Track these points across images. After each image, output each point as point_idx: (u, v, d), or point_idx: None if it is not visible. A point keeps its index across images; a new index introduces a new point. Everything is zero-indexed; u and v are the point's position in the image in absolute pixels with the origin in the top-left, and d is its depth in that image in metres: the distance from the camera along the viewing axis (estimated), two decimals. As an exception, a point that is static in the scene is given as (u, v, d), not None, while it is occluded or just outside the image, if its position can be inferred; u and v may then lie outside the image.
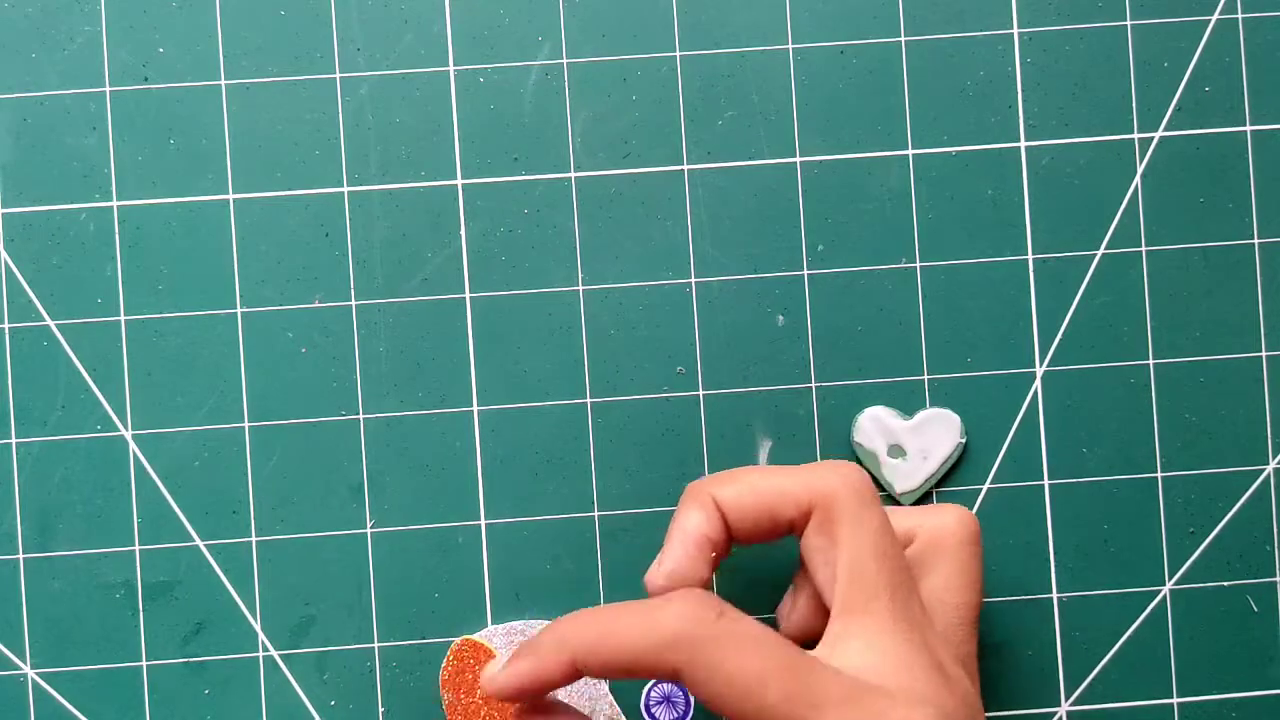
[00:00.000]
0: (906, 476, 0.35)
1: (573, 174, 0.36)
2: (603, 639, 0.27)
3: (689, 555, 0.29)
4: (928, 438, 0.35)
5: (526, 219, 0.36)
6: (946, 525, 0.31)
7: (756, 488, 0.30)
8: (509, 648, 0.35)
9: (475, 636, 0.35)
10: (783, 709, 0.25)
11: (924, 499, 0.36)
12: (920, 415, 0.35)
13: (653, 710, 0.35)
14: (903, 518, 0.31)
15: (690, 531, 0.30)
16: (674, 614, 0.26)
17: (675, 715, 0.35)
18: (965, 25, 0.36)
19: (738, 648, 0.26)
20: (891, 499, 0.36)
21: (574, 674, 0.27)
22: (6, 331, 0.36)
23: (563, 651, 0.27)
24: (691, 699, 0.35)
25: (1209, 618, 0.36)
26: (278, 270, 0.36)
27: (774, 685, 0.26)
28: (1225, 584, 0.36)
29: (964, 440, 0.36)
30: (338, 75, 0.36)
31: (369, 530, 0.36)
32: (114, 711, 0.35)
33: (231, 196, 0.36)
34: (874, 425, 0.35)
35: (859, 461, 0.35)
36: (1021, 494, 0.36)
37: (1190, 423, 0.36)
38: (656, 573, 0.29)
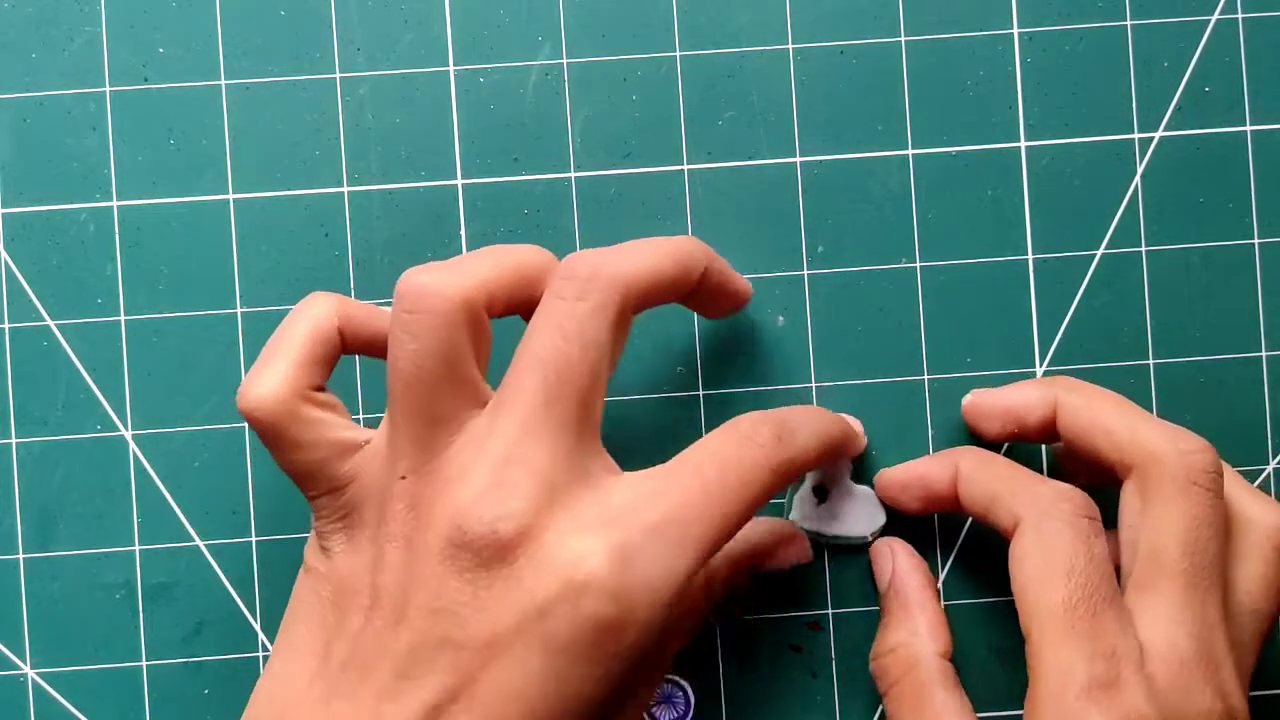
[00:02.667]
0: (806, 515, 0.35)
1: (573, 174, 0.36)
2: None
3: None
4: (849, 508, 0.35)
5: (526, 219, 0.36)
6: (1267, 522, 0.29)
7: (1098, 412, 0.31)
8: None
9: None
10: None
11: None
12: (862, 488, 0.35)
13: (653, 710, 0.35)
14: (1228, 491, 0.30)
15: (1014, 407, 0.33)
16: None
17: (675, 715, 0.35)
18: (965, 25, 0.36)
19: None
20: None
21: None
22: (6, 331, 0.36)
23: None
24: (692, 700, 0.35)
25: (1209, 618, 0.36)
26: (278, 270, 0.36)
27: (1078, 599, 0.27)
28: (1225, 584, 0.36)
29: (869, 539, 0.35)
30: (338, 75, 0.36)
31: (369, 530, 0.36)
32: (114, 711, 0.35)
33: (231, 196, 0.36)
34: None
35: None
36: (1021, 494, 0.36)
37: (1190, 423, 0.36)
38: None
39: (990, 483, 0.31)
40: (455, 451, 0.26)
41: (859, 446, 0.34)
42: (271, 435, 0.28)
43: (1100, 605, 0.27)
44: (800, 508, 0.35)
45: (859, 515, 0.35)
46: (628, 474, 0.27)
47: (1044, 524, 0.28)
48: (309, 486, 0.28)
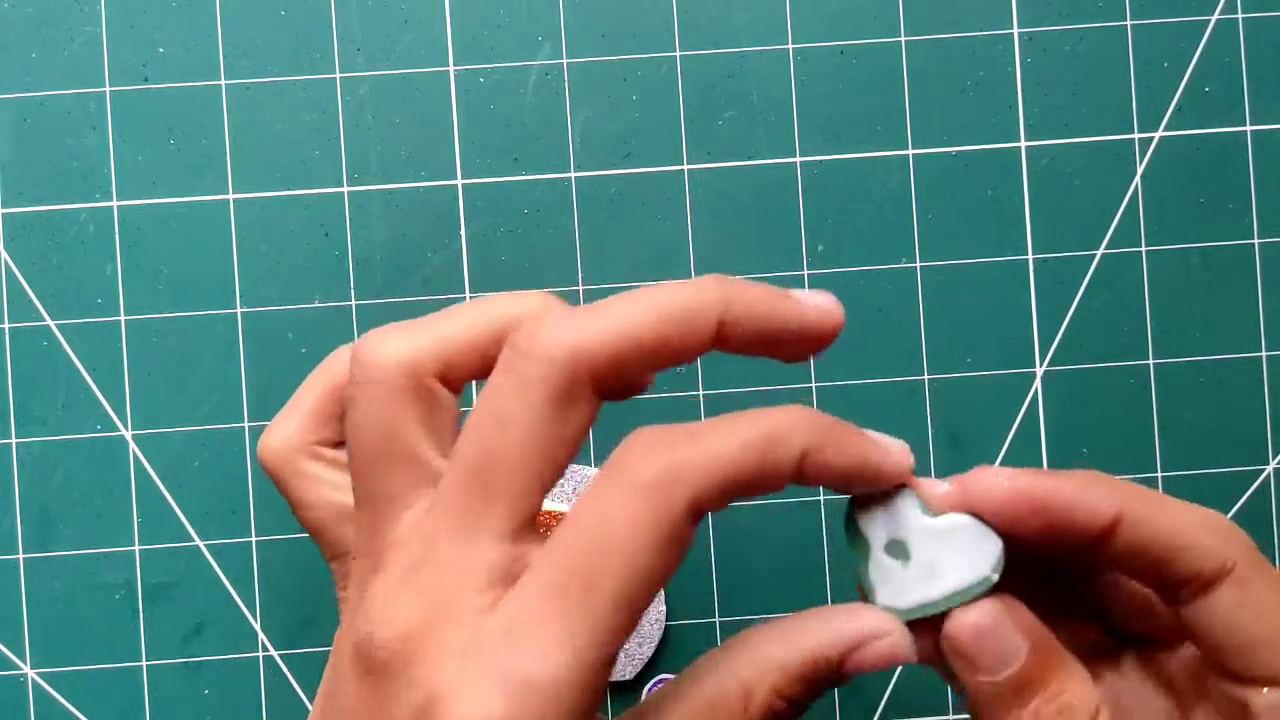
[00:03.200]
0: (898, 589, 0.24)
1: (573, 174, 0.36)
2: None
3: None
4: (946, 551, 0.24)
5: (526, 219, 0.36)
6: None
7: (1177, 521, 0.24)
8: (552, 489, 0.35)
9: None
10: None
11: (912, 625, 0.24)
12: (948, 519, 0.24)
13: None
14: None
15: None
16: None
17: None
18: (965, 25, 0.36)
19: None
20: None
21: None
22: (6, 331, 0.36)
23: None
24: None
25: (1209, 618, 0.36)
26: (278, 270, 0.36)
27: None
28: (1225, 584, 0.36)
29: (995, 577, 0.23)
30: (338, 75, 0.36)
31: (369, 530, 0.36)
32: (114, 711, 0.35)
33: (231, 196, 0.36)
34: (883, 508, 0.25)
35: (847, 543, 0.25)
36: (1021, 494, 0.36)
37: (1190, 423, 0.36)
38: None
39: (1173, 520, 0.24)
40: (395, 537, 0.23)
41: (889, 467, 0.24)
42: (279, 488, 0.27)
43: None
44: (883, 584, 0.24)
45: (966, 553, 0.24)
46: (528, 572, 0.22)
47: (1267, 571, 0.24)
48: (321, 546, 0.27)
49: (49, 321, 0.36)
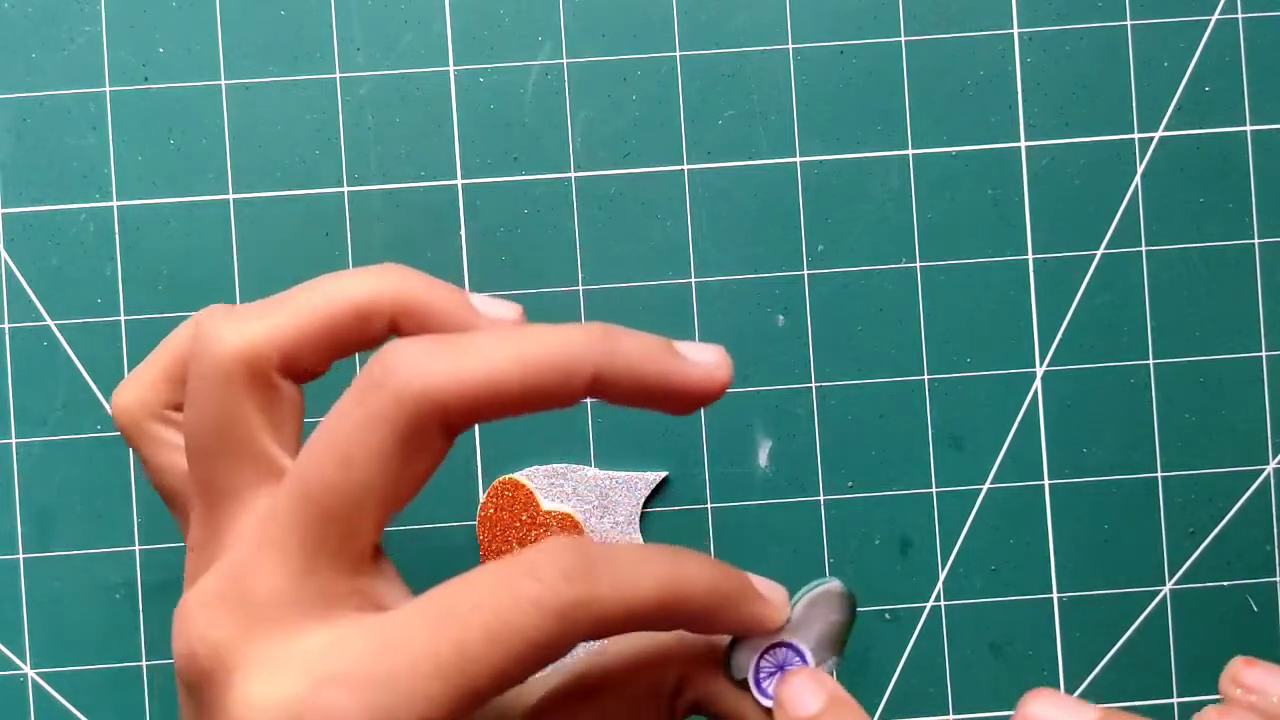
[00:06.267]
0: None
1: (573, 174, 0.36)
2: None
3: None
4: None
5: (526, 219, 0.36)
6: None
7: None
8: (550, 488, 0.35)
9: (516, 475, 0.35)
10: None
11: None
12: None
13: (763, 685, 0.33)
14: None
15: None
16: None
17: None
18: (965, 25, 0.36)
19: None
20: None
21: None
22: (6, 331, 0.36)
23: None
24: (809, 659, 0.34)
25: (1209, 618, 0.36)
26: (278, 270, 0.36)
27: None
28: (1225, 584, 0.36)
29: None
30: (338, 75, 0.36)
31: (369, 530, 0.36)
32: (114, 711, 0.35)
33: (231, 196, 0.36)
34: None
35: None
36: (1021, 494, 0.36)
37: (1190, 423, 0.36)
38: None
39: None
40: (232, 536, 0.22)
41: (755, 617, 0.23)
42: (132, 448, 0.26)
43: None
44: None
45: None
46: (393, 611, 0.21)
47: None
48: (171, 510, 0.25)
49: (49, 321, 0.36)
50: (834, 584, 0.24)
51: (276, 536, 0.21)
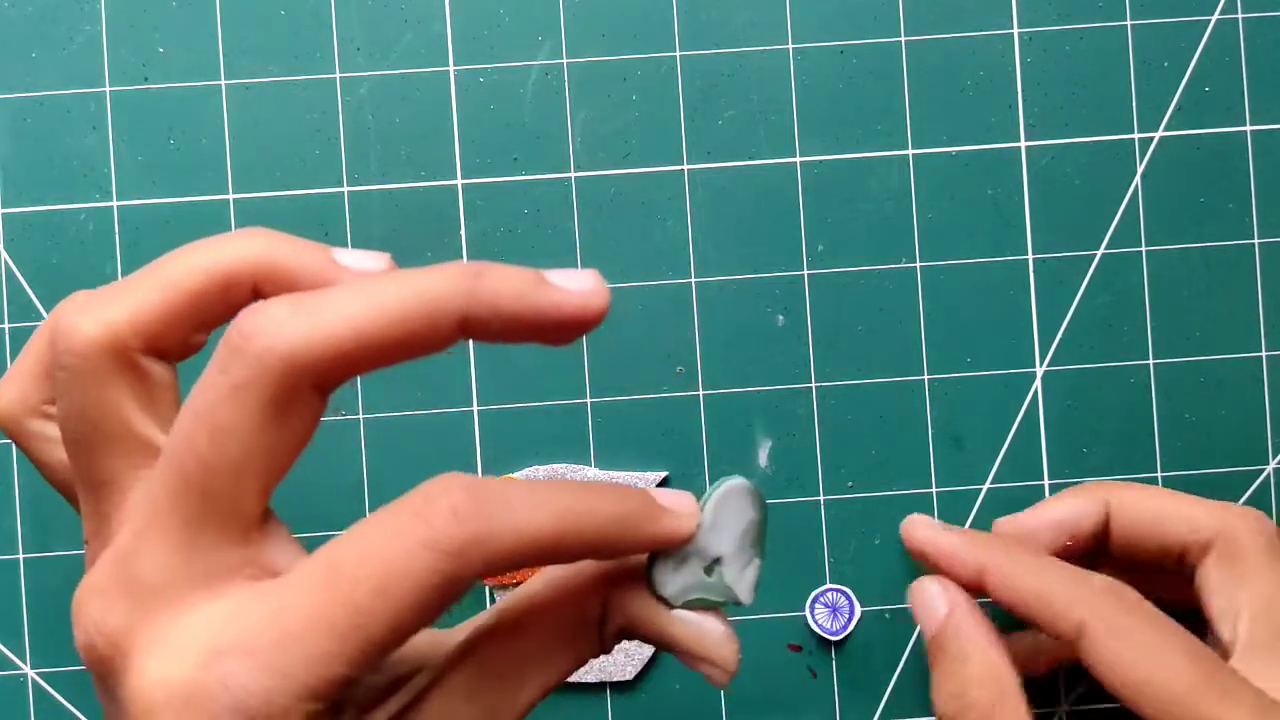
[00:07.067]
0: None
1: (573, 174, 0.36)
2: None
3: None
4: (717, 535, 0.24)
5: (526, 219, 0.36)
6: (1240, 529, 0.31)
7: (1159, 502, 0.31)
8: None
9: (516, 475, 0.35)
10: (1191, 699, 0.26)
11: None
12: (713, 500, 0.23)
13: (816, 617, 0.35)
14: (1188, 509, 0.31)
15: (1064, 519, 0.31)
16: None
17: (841, 624, 0.35)
18: (965, 25, 0.36)
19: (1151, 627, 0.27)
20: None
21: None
22: (6, 331, 0.36)
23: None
24: (857, 607, 0.35)
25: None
26: (278, 270, 0.36)
27: (1184, 674, 0.26)
28: (1225, 584, 0.36)
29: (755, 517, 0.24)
30: (338, 75, 0.36)
31: (369, 530, 0.36)
32: (114, 711, 0.35)
33: (231, 196, 0.36)
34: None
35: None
36: (1021, 494, 0.36)
37: (1190, 423, 0.36)
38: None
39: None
40: (117, 523, 0.22)
41: (664, 532, 0.22)
42: (18, 446, 0.25)
43: None
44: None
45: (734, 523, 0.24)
46: (284, 575, 0.21)
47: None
48: (71, 504, 0.24)
49: (49, 321, 0.36)
50: (737, 481, 0.24)
51: (157, 517, 0.21)
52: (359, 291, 0.21)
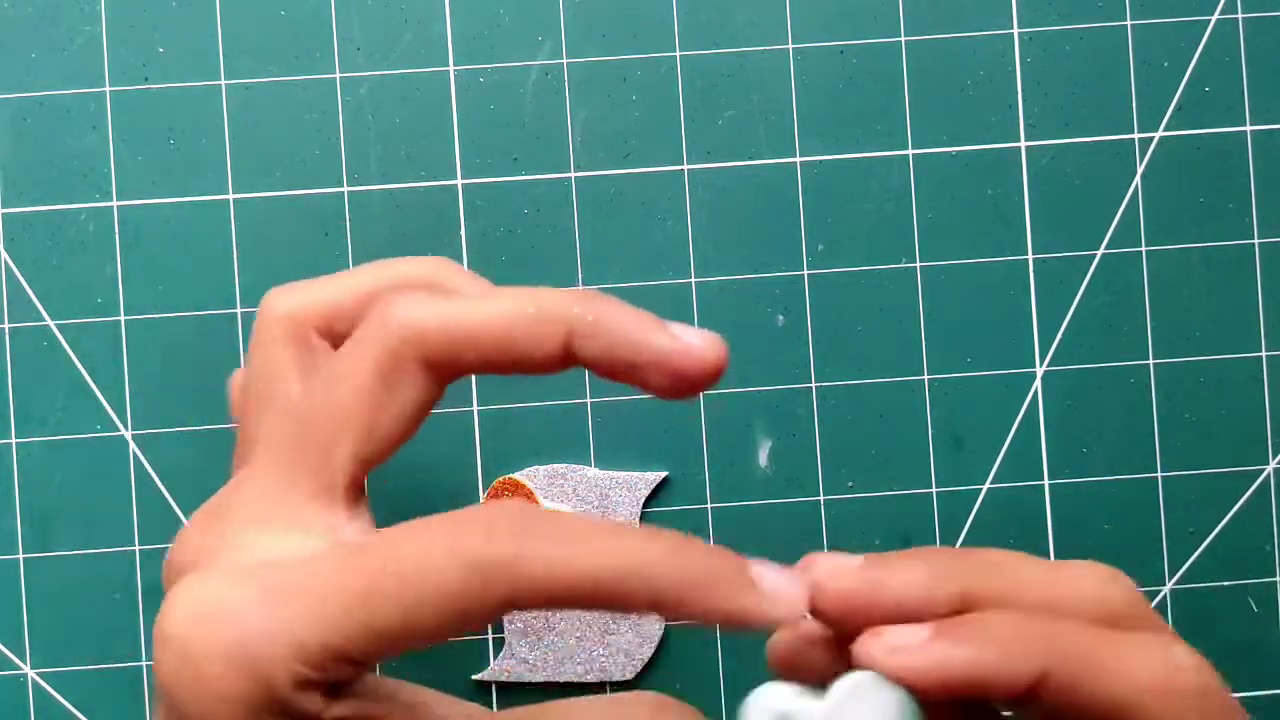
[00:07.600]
0: None
1: (573, 174, 0.36)
2: None
3: None
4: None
5: (526, 219, 0.36)
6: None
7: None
8: (550, 488, 0.35)
9: (516, 475, 0.35)
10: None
11: None
12: (838, 690, 0.20)
13: None
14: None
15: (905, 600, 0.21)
16: None
17: None
18: (965, 25, 0.36)
19: None
20: None
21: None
22: (6, 331, 0.36)
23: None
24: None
25: (1209, 618, 0.36)
26: (278, 270, 0.36)
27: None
28: (1225, 584, 0.36)
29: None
30: (338, 75, 0.36)
31: (369, 530, 0.36)
32: (114, 711, 0.35)
33: (231, 196, 0.36)
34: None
35: None
36: (1021, 494, 0.36)
37: (1190, 423, 0.36)
38: None
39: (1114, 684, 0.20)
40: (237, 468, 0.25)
41: (736, 608, 0.20)
42: (262, 358, 0.28)
43: None
44: None
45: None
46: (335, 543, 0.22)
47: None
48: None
49: (49, 321, 0.36)
50: (884, 684, 0.19)
51: (264, 458, 0.23)
52: (486, 294, 0.23)
